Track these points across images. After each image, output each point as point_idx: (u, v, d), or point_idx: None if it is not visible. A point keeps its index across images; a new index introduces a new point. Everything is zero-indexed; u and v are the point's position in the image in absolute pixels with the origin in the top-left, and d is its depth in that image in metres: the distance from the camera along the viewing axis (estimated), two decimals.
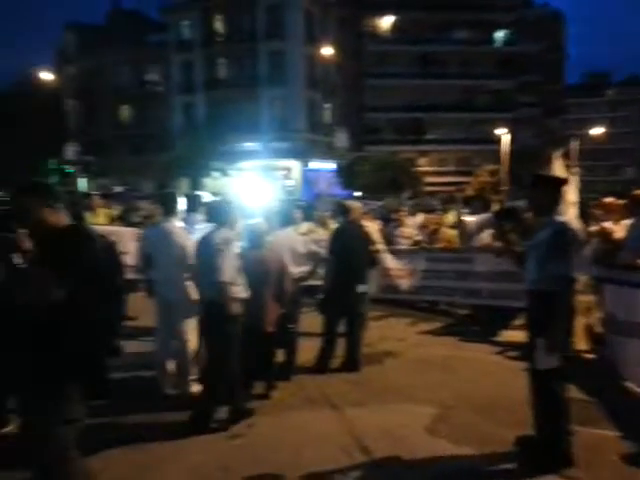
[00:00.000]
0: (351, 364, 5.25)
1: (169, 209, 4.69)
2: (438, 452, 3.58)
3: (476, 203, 7.98)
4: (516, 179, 25.86)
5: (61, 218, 2.41)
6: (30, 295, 2.14)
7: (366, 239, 5.54)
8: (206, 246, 3.99)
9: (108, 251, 2.44)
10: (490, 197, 11.63)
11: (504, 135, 30.91)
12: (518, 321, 6.31)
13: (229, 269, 3.86)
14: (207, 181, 30.12)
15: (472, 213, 7.59)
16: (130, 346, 4.25)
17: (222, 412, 4.01)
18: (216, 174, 31.22)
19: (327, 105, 36.06)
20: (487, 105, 42.29)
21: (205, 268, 3.94)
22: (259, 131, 31.97)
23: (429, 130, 43.32)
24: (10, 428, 3.70)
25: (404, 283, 7.31)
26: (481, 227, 6.96)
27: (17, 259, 2.24)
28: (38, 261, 2.20)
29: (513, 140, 31.47)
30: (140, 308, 5.75)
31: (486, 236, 6.82)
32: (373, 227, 6.82)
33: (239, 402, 4.07)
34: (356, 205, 5.79)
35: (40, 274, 2.17)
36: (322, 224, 8.22)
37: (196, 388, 4.50)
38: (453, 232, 8.08)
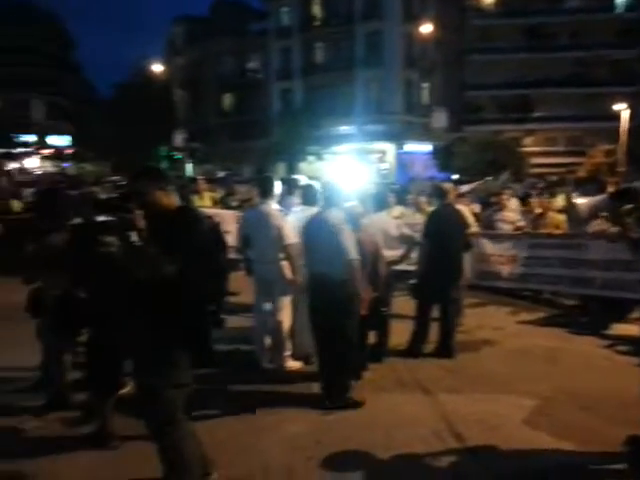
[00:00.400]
0: (445, 350, 5.15)
1: (266, 192, 4.87)
2: (536, 445, 3.42)
3: (589, 186, 7.37)
4: (635, 159, 23.48)
5: (172, 200, 2.62)
6: (146, 270, 2.35)
7: (462, 223, 5.36)
8: (320, 227, 4.05)
9: (214, 231, 2.61)
10: (605, 179, 10.69)
11: (623, 111, 28.06)
12: (634, 314, 5.81)
13: (353, 247, 3.91)
14: (303, 165, 30.74)
15: (584, 195, 7.02)
16: (231, 321, 4.51)
17: (315, 387, 4.14)
18: (311, 158, 31.75)
19: (425, 85, 34.99)
20: (603, 78, 38.51)
21: (324, 248, 3.97)
22: (354, 114, 31.85)
23: (536, 107, 40.48)
24: (127, 390, 4.13)
25: (505, 270, 6.99)
26: (595, 211, 6.41)
27: (134, 237, 2.45)
28: (152, 239, 2.41)
29: (632, 116, 28.48)
30: (241, 285, 6.05)
31: (600, 221, 6.28)
32: (468, 210, 6.57)
33: (346, 379, 4.10)
34: (451, 188, 5.62)
35: (154, 251, 2.37)
36: (417, 208, 8.07)
37: (291, 364, 4.68)
38: (561, 217, 7.54)
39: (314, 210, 4.53)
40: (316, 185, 5.12)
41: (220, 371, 4.20)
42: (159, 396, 2.47)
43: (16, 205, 9.76)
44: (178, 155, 32.06)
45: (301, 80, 35.38)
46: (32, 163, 49.76)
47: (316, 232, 4.10)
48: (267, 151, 31.97)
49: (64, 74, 52.45)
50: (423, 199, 8.35)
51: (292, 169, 28.59)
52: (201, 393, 2.89)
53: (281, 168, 30.13)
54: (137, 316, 2.48)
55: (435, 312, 5.25)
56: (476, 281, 6.84)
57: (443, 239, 5.07)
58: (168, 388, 2.48)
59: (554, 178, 18.81)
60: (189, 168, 30.67)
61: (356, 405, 3.98)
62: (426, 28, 28.83)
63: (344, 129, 32.06)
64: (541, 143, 39.99)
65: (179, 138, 34.48)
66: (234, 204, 10.18)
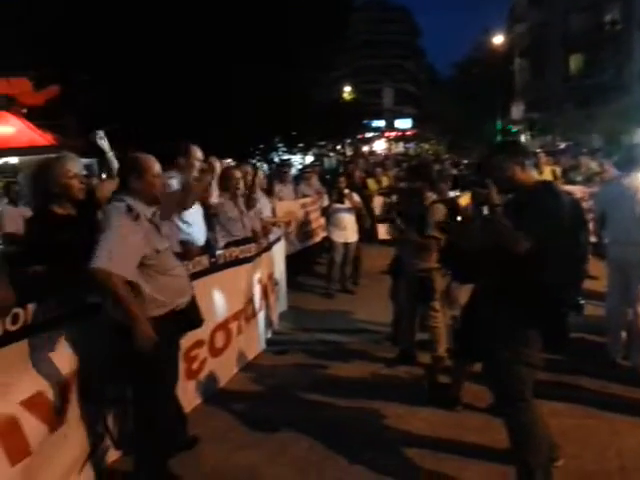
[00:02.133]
0: None
1: (631, 162, 4.20)
2: None
3: None
4: None
5: (530, 175, 2.55)
6: (504, 243, 2.36)
7: None
8: None
9: (574, 208, 2.41)
10: None
11: None
12: None
13: None
14: None
15: None
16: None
17: None
18: None
19: None
20: None
21: None
22: None
23: None
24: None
25: None
26: None
27: (485, 211, 2.47)
28: (507, 214, 2.39)
29: None
30: (598, 270, 5.42)
31: None
32: None
33: None
34: None
35: (508, 225, 2.36)
36: None
37: None
38: None
39: None
40: None
41: (566, 359, 3.89)
42: (509, 371, 2.48)
43: (371, 183, 11.20)
44: (514, 128, 30.86)
45: None
46: (379, 146, 56.48)
47: None
48: (621, 115, 27.35)
49: (411, 61, 57.07)
50: None
51: None
52: (541, 379, 2.75)
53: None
54: (499, 291, 2.51)
55: None
56: None
57: None
58: (519, 364, 2.46)
59: None
60: (526, 141, 29.15)
61: None
62: None
63: None
64: None
65: (516, 110, 33.08)
66: (579, 178, 9.20)
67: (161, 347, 2.62)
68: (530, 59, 38.44)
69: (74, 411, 2.73)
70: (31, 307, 2.47)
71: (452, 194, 4.30)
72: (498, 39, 32.40)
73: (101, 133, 3.68)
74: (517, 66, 40.04)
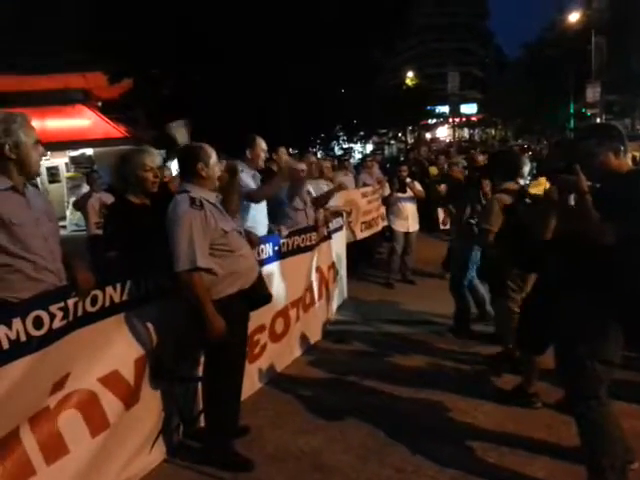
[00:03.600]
0: None
1: None
2: None
3: None
4: None
5: (623, 162, 2.38)
6: (588, 233, 2.22)
7: None
8: None
9: None
10: None
11: None
12: None
13: None
14: None
15: None
16: None
17: None
18: None
19: None
20: None
21: None
22: None
23: None
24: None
25: None
26: None
27: (572, 201, 2.32)
28: (595, 204, 2.24)
29: None
30: None
31: None
32: None
33: None
34: None
35: (596, 216, 2.21)
36: None
37: None
38: None
39: None
40: None
41: None
42: (584, 368, 2.37)
43: (433, 171, 10.96)
44: (588, 112, 29.05)
45: None
46: (442, 132, 54.99)
47: None
48: None
49: (478, 44, 54.86)
50: None
51: None
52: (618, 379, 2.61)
53: None
54: (574, 281, 2.41)
55: None
56: None
57: None
58: (594, 361, 2.35)
59: None
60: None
61: None
62: None
63: None
64: None
65: (592, 92, 31.04)
66: None
67: (232, 327, 2.75)
68: (609, 37, 35.91)
69: (147, 389, 2.89)
70: (109, 290, 2.64)
71: (522, 182, 4.08)
72: (574, 16, 30.50)
73: (180, 122, 3.81)
74: (594, 45, 37.55)
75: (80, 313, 2.48)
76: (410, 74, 44.80)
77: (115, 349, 2.71)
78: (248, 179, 4.15)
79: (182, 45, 11.24)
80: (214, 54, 11.19)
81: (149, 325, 2.89)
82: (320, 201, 5.28)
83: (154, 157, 3.20)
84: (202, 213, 2.72)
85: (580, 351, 2.36)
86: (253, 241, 3.77)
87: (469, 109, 58.89)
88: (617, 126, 2.53)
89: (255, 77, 11.23)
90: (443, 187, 6.40)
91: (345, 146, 25.59)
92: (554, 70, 33.20)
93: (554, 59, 34.17)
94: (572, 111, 30.52)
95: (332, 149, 23.06)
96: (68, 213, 12.88)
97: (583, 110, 29.53)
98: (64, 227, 11.84)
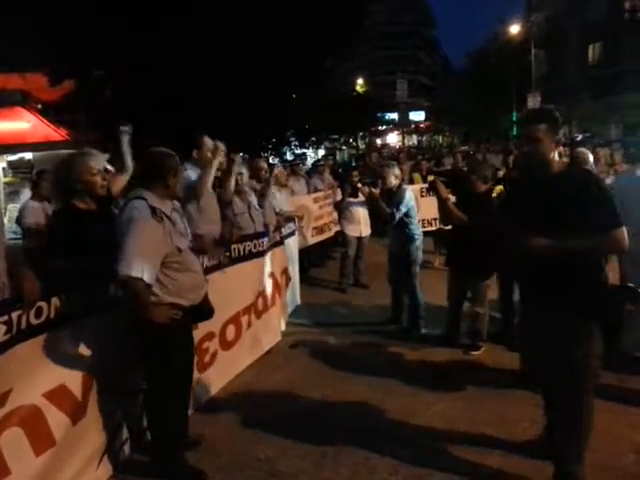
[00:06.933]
0: None
1: None
2: None
3: None
4: None
5: (555, 155, 2.51)
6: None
7: None
8: None
9: None
10: None
11: None
12: None
13: None
14: None
15: None
16: None
17: None
18: None
19: None
20: None
21: None
22: None
23: None
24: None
25: None
26: None
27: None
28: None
29: None
30: None
31: None
32: None
33: None
34: None
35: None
36: None
37: None
38: None
39: None
40: None
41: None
42: (584, 369, 2.48)
43: (417, 179, 10.46)
44: None
45: None
46: (393, 138, 55.97)
47: None
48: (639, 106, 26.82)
49: (424, 53, 56.34)
50: None
51: None
52: None
53: None
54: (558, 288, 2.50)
55: None
56: None
57: None
58: (591, 359, 2.47)
59: None
60: None
61: None
62: None
63: None
64: None
65: (533, 101, 32.50)
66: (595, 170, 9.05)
67: (175, 336, 2.68)
68: (547, 49, 37.77)
69: (94, 403, 2.79)
70: (54, 301, 2.53)
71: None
72: (514, 29, 31.88)
73: (127, 128, 3.71)
74: (534, 56, 39.38)
75: (24, 326, 2.37)
76: (360, 81, 45.43)
77: (62, 362, 2.60)
78: (194, 177, 4.07)
79: (124, 46, 10.91)
80: (156, 56, 10.92)
81: (96, 337, 2.78)
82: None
83: (99, 159, 3.10)
84: (161, 226, 2.63)
85: (581, 353, 2.46)
86: (204, 245, 3.71)
87: (418, 116, 60.28)
88: (554, 111, 2.58)
89: (200, 79, 11.07)
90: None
91: (297, 151, 25.59)
92: (497, 80, 34.54)
93: (497, 69, 35.56)
94: (515, 119, 31.72)
95: (284, 154, 23.01)
96: (6, 220, 12.17)
97: (524, 118, 30.74)
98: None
